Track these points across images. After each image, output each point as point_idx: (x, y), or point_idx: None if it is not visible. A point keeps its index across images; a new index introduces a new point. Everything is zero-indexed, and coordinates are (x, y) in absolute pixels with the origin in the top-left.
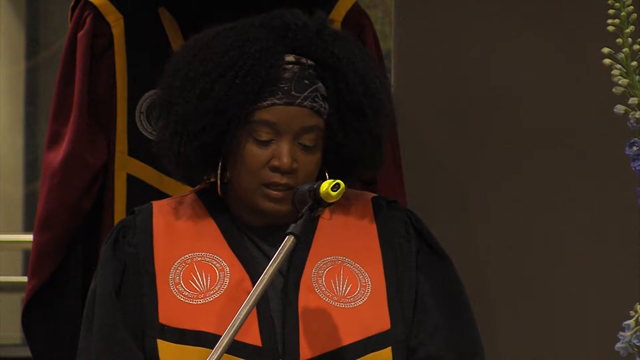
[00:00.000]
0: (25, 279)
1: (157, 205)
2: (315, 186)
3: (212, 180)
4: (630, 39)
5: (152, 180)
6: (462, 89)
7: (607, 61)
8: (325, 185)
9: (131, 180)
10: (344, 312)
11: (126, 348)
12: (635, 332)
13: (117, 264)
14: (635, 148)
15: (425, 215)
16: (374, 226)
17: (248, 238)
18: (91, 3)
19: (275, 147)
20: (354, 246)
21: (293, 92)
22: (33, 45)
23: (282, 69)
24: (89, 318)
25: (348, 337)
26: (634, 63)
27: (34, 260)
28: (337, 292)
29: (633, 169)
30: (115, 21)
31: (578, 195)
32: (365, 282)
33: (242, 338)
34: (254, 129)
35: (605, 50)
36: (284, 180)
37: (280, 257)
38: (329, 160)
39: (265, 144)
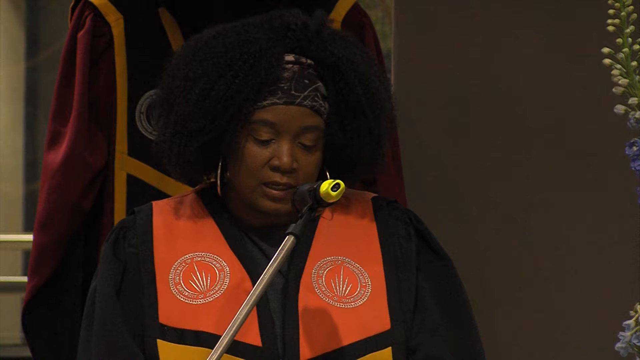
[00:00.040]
0: (25, 279)
1: (157, 205)
2: (315, 186)
3: (212, 180)
4: (630, 39)
5: (152, 180)
6: (462, 89)
7: (607, 61)
8: (325, 185)
9: (131, 180)
10: (344, 312)
11: (126, 348)
12: (635, 332)
13: (117, 264)
14: (635, 148)
15: (425, 215)
16: (374, 226)
17: (248, 238)
18: (91, 3)
19: (275, 146)
20: (354, 246)
21: (293, 92)
22: (33, 45)
23: (282, 69)
24: (89, 318)
25: (348, 337)
26: (634, 63)
27: (34, 260)
28: (337, 292)
29: (633, 169)
30: (115, 21)
31: (578, 195)
32: (365, 282)
33: (242, 338)
34: (254, 129)
35: (605, 50)
36: (284, 179)
37: (280, 257)
38: (329, 160)
39: (265, 143)
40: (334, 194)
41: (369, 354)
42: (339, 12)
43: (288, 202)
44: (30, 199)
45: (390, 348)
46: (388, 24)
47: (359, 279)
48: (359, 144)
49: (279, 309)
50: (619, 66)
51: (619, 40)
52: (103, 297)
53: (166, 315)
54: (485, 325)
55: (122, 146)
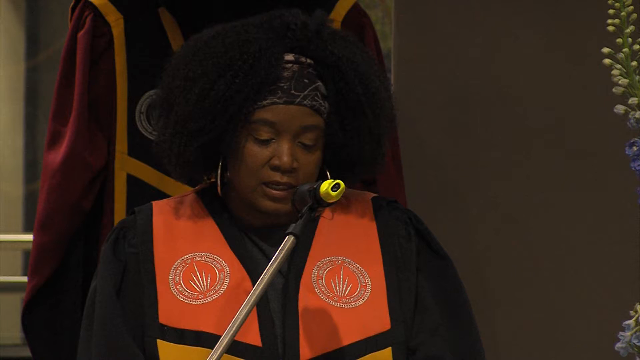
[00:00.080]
0: (25, 279)
1: (157, 205)
2: (315, 186)
3: (212, 180)
4: (630, 39)
5: (152, 180)
6: (462, 89)
7: (607, 61)
8: (325, 185)
9: (131, 180)
10: (344, 313)
11: (126, 348)
12: (635, 332)
13: (117, 264)
14: (635, 148)
15: (425, 215)
16: (374, 226)
17: (248, 238)
18: (91, 3)
19: (276, 146)
20: (354, 246)
21: (293, 91)
22: (33, 45)
23: (282, 68)
24: (89, 318)
25: (348, 337)
26: (634, 63)
27: (34, 260)
28: (337, 292)
29: (633, 169)
30: (115, 21)
31: (578, 195)
32: (365, 283)
33: (242, 338)
34: (254, 129)
35: (605, 50)
36: (284, 179)
37: (280, 257)
38: (330, 159)
39: (265, 143)
40: (334, 194)
41: (369, 354)
42: (339, 12)
43: (288, 202)
44: (30, 199)
45: (390, 348)
46: (388, 24)
47: (359, 279)
48: (359, 144)
49: (279, 309)
50: (619, 66)
51: (619, 40)
52: (103, 297)
53: (166, 315)
54: (485, 325)
55: (122, 146)
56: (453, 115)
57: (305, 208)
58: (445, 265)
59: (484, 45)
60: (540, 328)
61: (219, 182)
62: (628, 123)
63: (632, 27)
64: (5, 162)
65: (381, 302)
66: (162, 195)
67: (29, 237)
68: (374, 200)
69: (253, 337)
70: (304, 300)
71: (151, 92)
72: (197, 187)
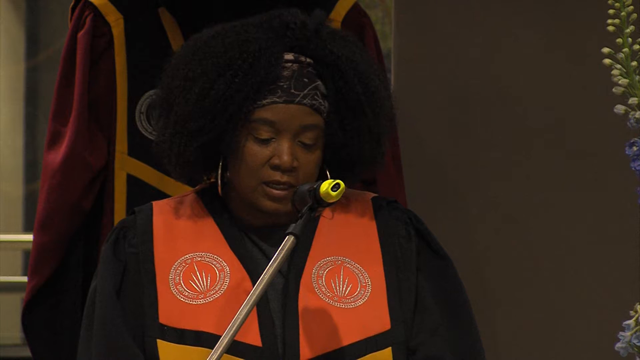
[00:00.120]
0: (25, 279)
1: (157, 205)
2: (315, 186)
3: (212, 180)
4: (630, 39)
5: (152, 180)
6: (462, 89)
7: (607, 61)
8: (325, 185)
9: (131, 180)
10: (344, 313)
11: (126, 348)
12: (635, 332)
13: (117, 264)
14: (635, 148)
15: (425, 215)
16: (374, 226)
17: (248, 238)
18: (91, 3)
19: (276, 145)
20: (354, 246)
21: (292, 90)
22: (33, 45)
23: (281, 68)
24: (89, 318)
25: (348, 337)
26: (634, 63)
27: (34, 260)
28: (337, 292)
29: (633, 169)
30: (115, 21)
31: (578, 195)
32: (365, 283)
33: (242, 338)
34: (253, 128)
35: (605, 50)
36: (284, 178)
37: (280, 257)
38: (329, 159)
39: (265, 142)
40: (334, 194)
41: (369, 354)
42: (339, 12)
43: (288, 202)
44: (30, 199)
45: (390, 348)
46: (388, 24)
47: (359, 279)
48: (359, 143)
49: (279, 309)
50: (619, 66)
51: (619, 40)
52: (103, 297)
53: (166, 315)
54: (485, 325)
55: (122, 146)
56: (453, 115)
57: (305, 208)
58: (445, 265)
59: (484, 45)
60: (540, 328)
61: (219, 181)
62: (628, 123)
63: (632, 27)
64: (5, 162)
65: (381, 302)
66: (162, 195)
67: (29, 237)
68: (374, 200)
69: (253, 337)
70: (304, 300)
71: (151, 92)
72: (197, 187)
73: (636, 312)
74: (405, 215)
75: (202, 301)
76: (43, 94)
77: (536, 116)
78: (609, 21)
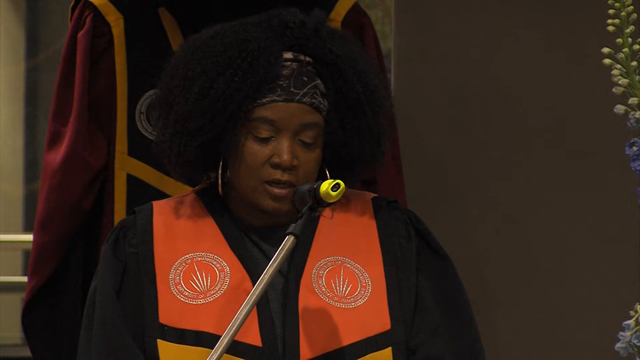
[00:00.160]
0: (25, 279)
1: (157, 205)
2: (315, 186)
3: (212, 180)
4: (630, 39)
5: (152, 180)
6: (462, 89)
7: (607, 61)
8: (325, 185)
9: (131, 180)
10: (344, 313)
11: (126, 348)
12: (635, 332)
13: (117, 264)
14: (635, 148)
15: (425, 215)
16: (374, 226)
17: (248, 238)
18: (91, 3)
19: (275, 144)
20: (354, 246)
21: (292, 89)
22: (33, 45)
23: (281, 66)
24: (89, 318)
25: (348, 337)
26: (634, 63)
27: (34, 260)
28: (337, 292)
29: (633, 169)
30: (115, 21)
31: (578, 195)
32: (365, 283)
33: (242, 338)
34: (253, 127)
35: (605, 50)
36: (285, 177)
37: (280, 257)
38: (329, 158)
39: (265, 141)
40: (334, 194)
41: (369, 354)
42: (338, 12)
43: (288, 201)
44: (30, 199)
45: (390, 348)
46: (388, 24)
47: (359, 279)
48: (359, 142)
49: (279, 309)
50: (619, 66)
51: (619, 40)
52: (103, 297)
53: (166, 315)
54: (485, 325)
55: (122, 146)
56: (453, 115)
57: (305, 208)
58: (445, 265)
59: (484, 45)
60: (540, 328)
61: (219, 181)
62: (628, 123)
63: (632, 27)
64: (5, 162)
65: (381, 302)
66: (162, 195)
67: (29, 237)
68: (374, 200)
69: (253, 337)
70: (304, 300)
71: (151, 92)
72: (197, 187)
73: (636, 312)
74: (405, 215)
75: (202, 301)
76: (43, 94)
77: (536, 116)
78: (609, 21)
